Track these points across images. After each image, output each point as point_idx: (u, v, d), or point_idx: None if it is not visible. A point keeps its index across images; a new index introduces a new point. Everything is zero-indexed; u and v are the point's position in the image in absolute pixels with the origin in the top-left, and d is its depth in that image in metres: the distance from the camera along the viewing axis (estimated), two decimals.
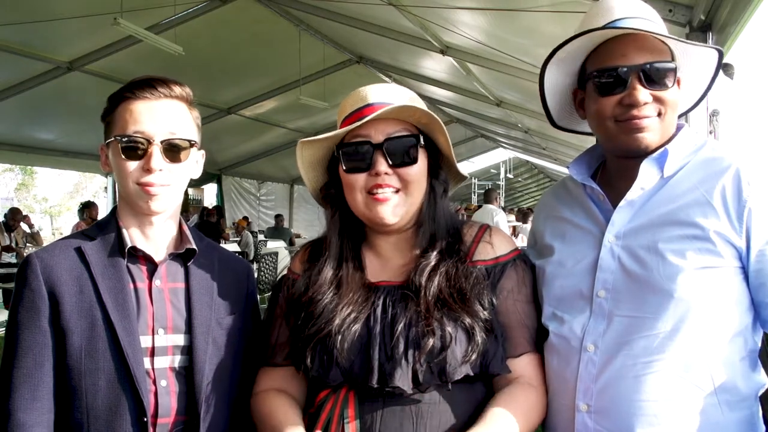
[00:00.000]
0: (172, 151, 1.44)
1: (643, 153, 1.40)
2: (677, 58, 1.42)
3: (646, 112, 1.37)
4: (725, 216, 1.30)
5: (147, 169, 1.40)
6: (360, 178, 1.44)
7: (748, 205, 1.29)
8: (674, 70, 1.37)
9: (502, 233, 1.57)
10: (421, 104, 1.50)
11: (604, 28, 1.38)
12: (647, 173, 1.39)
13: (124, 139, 1.41)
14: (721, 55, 1.42)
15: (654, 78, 1.36)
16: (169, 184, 1.45)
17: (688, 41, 1.42)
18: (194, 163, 1.52)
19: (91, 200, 11.16)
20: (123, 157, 1.41)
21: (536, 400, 1.42)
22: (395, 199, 1.43)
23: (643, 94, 1.36)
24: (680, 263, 1.30)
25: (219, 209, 14.43)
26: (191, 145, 1.48)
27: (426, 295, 1.39)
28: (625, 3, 1.42)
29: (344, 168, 1.46)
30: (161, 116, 1.43)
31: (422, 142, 1.45)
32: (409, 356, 1.33)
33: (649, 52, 1.36)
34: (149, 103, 1.43)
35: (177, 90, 1.47)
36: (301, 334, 1.42)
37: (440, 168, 1.53)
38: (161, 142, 1.42)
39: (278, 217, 15.07)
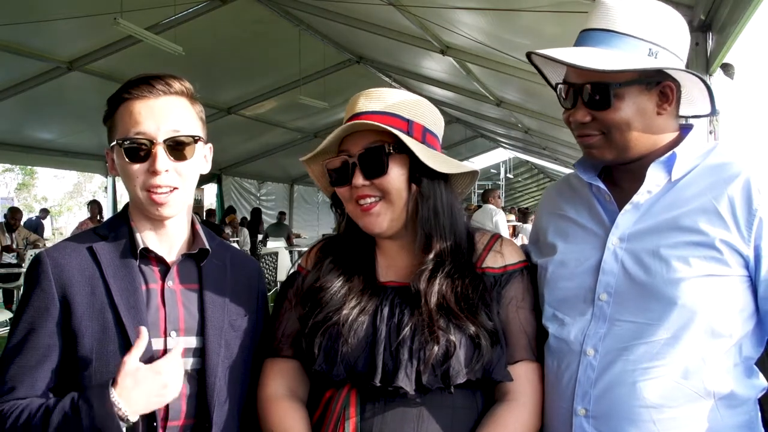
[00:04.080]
0: (177, 149, 1.40)
1: (606, 164, 1.42)
2: (675, 73, 1.37)
3: (586, 131, 1.38)
4: (733, 224, 1.27)
5: (153, 171, 1.37)
6: (345, 191, 1.48)
7: (758, 215, 1.26)
8: (607, 92, 1.32)
9: (512, 244, 1.58)
10: (411, 105, 1.49)
11: (534, 53, 1.40)
12: (654, 176, 1.37)
13: (126, 142, 1.37)
14: (703, 81, 1.36)
15: (590, 99, 1.35)
16: (177, 187, 1.41)
17: (604, 68, 1.29)
18: (202, 158, 1.49)
19: (95, 199, 11.19)
20: (127, 160, 1.38)
21: (527, 420, 1.41)
22: (378, 208, 1.45)
23: (579, 114, 1.36)
24: (684, 270, 1.28)
25: (231, 209, 14.46)
26: (195, 141, 1.44)
27: (427, 303, 1.39)
28: (606, 10, 1.38)
29: (330, 183, 1.50)
30: (162, 114, 1.40)
31: (391, 150, 1.43)
32: (414, 359, 1.34)
33: (588, 72, 1.31)
34: (148, 102, 1.40)
35: (176, 85, 1.44)
36: (309, 321, 1.43)
37: (423, 172, 1.46)
38: (164, 141, 1.38)
39: (281, 215, 15.21)
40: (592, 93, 1.34)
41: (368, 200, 1.44)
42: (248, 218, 15.12)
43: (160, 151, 1.37)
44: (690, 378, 1.28)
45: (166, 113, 1.40)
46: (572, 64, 1.31)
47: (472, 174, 1.58)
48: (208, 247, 1.48)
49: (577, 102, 1.37)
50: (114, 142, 1.40)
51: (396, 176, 1.44)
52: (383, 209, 1.44)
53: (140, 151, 1.38)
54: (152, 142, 1.37)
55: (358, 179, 1.43)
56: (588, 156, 1.43)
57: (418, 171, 1.46)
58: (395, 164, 1.44)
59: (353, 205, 1.47)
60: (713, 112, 1.44)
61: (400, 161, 1.45)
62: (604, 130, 1.36)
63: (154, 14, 7.00)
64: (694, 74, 1.35)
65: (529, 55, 1.46)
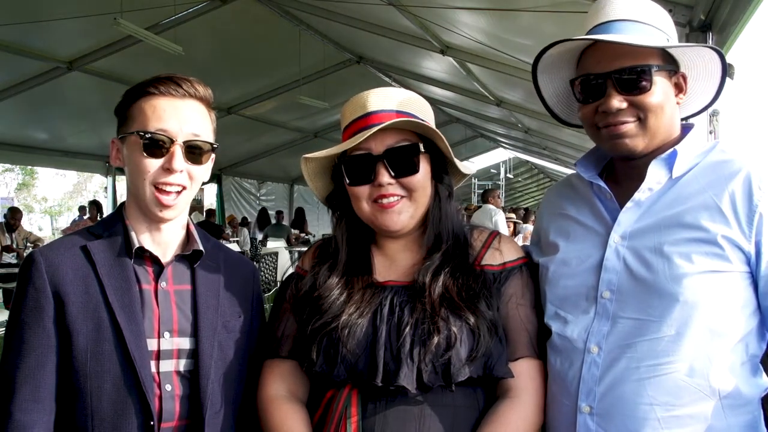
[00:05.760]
0: (194, 152, 1.41)
1: (632, 156, 1.40)
2: (681, 60, 1.40)
3: (622, 118, 1.37)
4: (734, 220, 1.28)
5: (168, 169, 1.38)
6: (364, 190, 1.46)
7: (759, 210, 1.27)
8: (648, 74, 1.34)
9: (511, 241, 1.59)
10: (420, 105, 1.51)
11: (565, 41, 1.40)
12: (655, 174, 1.38)
13: (146, 136, 1.37)
14: (720, 54, 1.40)
15: (627, 83, 1.35)
16: (186, 187, 1.42)
17: (657, 45, 1.36)
18: (210, 166, 1.51)
19: (95, 199, 11.19)
20: (144, 154, 1.38)
21: (529, 417, 1.41)
22: (401, 206, 1.45)
23: (615, 101, 1.35)
24: (686, 266, 1.28)
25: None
26: (213, 149, 1.46)
27: (431, 295, 1.40)
28: (618, 3, 1.40)
29: (347, 181, 1.48)
30: (185, 116, 1.41)
31: (422, 149, 1.45)
32: (415, 355, 1.34)
33: (623, 57, 1.34)
34: (174, 101, 1.41)
35: (201, 91, 1.45)
36: (307, 327, 1.43)
37: (444, 171, 1.53)
38: (184, 143, 1.39)
39: (279, 214, 15.11)
40: (631, 77, 1.34)
41: (391, 198, 1.44)
42: (248, 218, 15.11)
43: (178, 151, 1.39)
44: (695, 376, 1.28)
45: (189, 115, 1.42)
46: (633, 44, 1.32)
47: (463, 176, 1.62)
48: (201, 248, 1.48)
49: (606, 90, 1.36)
50: (131, 132, 1.40)
51: (424, 175, 1.46)
52: (405, 207, 1.46)
53: (159, 147, 1.38)
54: (172, 141, 1.38)
55: (384, 177, 1.43)
56: (614, 148, 1.42)
57: (441, 170, 1.50)
58: (423, 163, 1.46)
59: (369, 203, 1.46)
60: (717, 97, 1.47)
61: (426, 160, 1.48)
62: (641, 115, 1.36)
63: (154, 14, 7.00)
64: (714, 49, 1.38)
65: (544, 51, 1.44)
